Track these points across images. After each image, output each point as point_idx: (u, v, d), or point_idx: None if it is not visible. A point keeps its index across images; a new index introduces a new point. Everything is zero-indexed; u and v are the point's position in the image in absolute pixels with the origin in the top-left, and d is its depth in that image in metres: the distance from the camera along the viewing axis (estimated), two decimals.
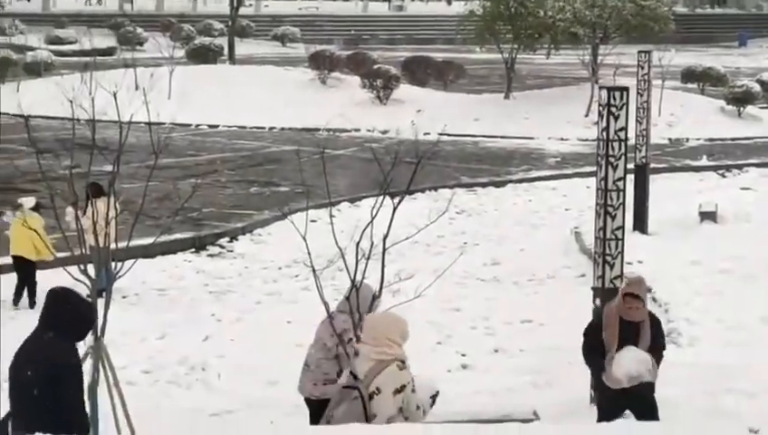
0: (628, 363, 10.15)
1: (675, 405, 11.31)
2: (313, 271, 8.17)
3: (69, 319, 7.76)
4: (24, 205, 16.51)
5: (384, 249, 8.00)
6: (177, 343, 14.58)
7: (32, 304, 16.72)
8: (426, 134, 26.73)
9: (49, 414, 7.46)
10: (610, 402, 10.36)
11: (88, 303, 7.92)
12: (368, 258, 8.07)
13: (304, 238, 8.32)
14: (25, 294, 16.85)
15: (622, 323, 10.19)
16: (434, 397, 8.74)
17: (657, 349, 10.31)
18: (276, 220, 21.69)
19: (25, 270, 16.72)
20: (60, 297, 8.01)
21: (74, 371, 7.65)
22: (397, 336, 8.30)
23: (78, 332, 7.84)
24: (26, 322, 15.73)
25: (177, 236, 19.87)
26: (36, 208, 16.14)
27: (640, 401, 10.22)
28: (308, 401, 10.21)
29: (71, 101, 10.39)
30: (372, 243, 7.91)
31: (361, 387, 7.98)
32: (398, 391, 8.05)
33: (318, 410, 9.91)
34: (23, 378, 7.62)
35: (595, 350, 10.35)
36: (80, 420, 7.66)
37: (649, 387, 10.24)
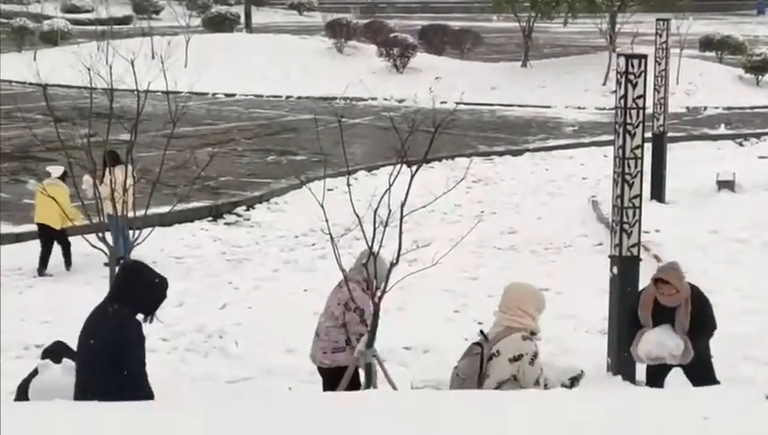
0: (649, 345, 10.28)
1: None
2: (331, 239, 8.18)
3: (136, 292, 7.82)
4: (51, 173, 16.55)
5: (401, 217, 8.00)
6: (195, 311, 14.64)
7: (68, 265, 16.87)
8: (443, 103, 26.56)
9: (111, 384, 7.54)
10: (654, 367, 10.61)
11: (161, 278, 7.97)
12: (385, 226, 8.08)
13: (322, 206, 8.33)
14: (53, 261, 16.95)
15: (658, 306, 10.31)
16: (575, 378, 8.84)
17: (697, 332, 10.38)
18: (293, 189, 21.73)
19: (50, 238, 16.77)
20: (132, 270, 8.08)
21: (134, 343, 7.72)
22: (530, 307, 8.50)
23: (148, 305, 7.89)
24: (45, 290, 15.89)
25: (195, 204, 19.92)
26: (63, 177, 16.14)
27: (686, 367, 10.45)
28: (320, 369, 10.27)
29: (88, 70, 10.42)
30: (390, 211, 7.91)
31: (485, 346, 8.24)
32: (515, 359, 8.21)
33: (329, 378, 9.98)
34: (86, 347, 7.69)
35: (632, 326, 10.64)
36: (140, 391, 7.74)
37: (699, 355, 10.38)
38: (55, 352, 8.90)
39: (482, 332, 8.35)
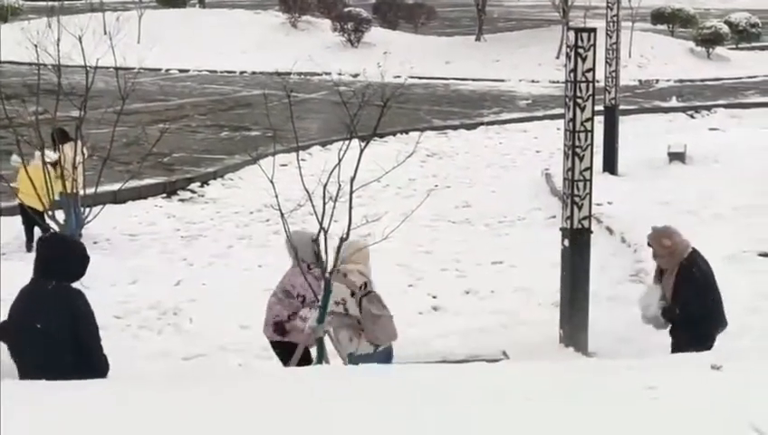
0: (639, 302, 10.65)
1: (642, 343, 11.45)
2: (281, 215, 8.18)
3: (68, 263, 7.80)
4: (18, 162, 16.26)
5: (351, 192, 8.01)
6: (149, 288, 14.58)
7: (30, 247, 16.68)
8: (396, 77, 26.67)
9: (72, 359, 7.52)
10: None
11: (80, 242, 7.96)
12: (335, 201, 8.09)
13: (272, 182, 8.32)
14: (6, 239, 16.76)
15: (662, 269, 10.55)
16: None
17: (675, 302, 10.36)
18: (247, 165, 21.65)
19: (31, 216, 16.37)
20: (54, 243, 8.04)
21: (88, 314, 7.73)
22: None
23: (78, 273, 7.89)
24: None
25: (148, 181, 19.83)
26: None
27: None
28: (271, 342, 10.30)
29: (35, 46, 10.33)
30: (340, 186, 7.92)
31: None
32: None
33: (280, 352, 10.02)
34: (33, 330, 7.61)
35: None
36: (103, 359, 7.76)
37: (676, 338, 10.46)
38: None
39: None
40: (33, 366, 7.57)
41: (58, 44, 10.20)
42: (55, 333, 7.55)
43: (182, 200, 20.07)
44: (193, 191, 20.58)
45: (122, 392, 6.68)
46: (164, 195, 20.12)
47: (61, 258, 7.80)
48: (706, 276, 10.32)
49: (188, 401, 6.39)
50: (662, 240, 10.41)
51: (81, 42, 10.28)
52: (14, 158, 16.65)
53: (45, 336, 7.59)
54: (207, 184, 21.04)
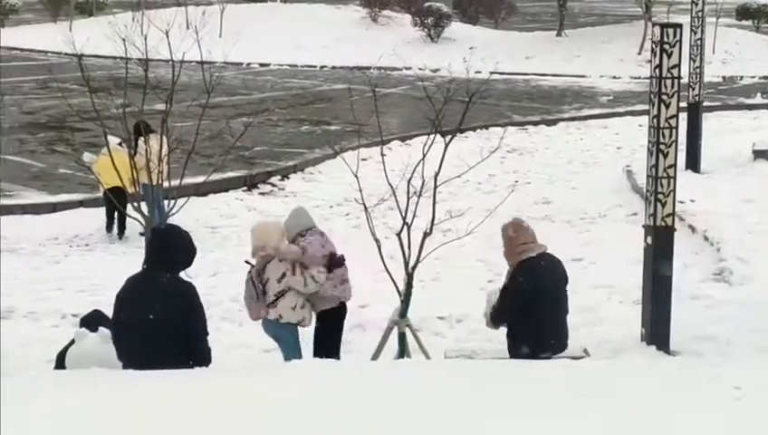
0: None
1: (725, 343, 11.33)
2: (365, 209, 8.21)
3: (181, 254, 7.90)
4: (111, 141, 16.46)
5: (435, 187, 8.01)
6: (230, 280, 14.67)
7: (121, 234, 16.87)
8: (477, 72, 26.58)
9: (180, 349, 7.62)
10: None
11: (188, 233, 8.08)
12: (419, 196, 8.10)
13: (356, 176, 8.35)
14: (89, 230, 16.99)
15: None
16: None
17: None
18: (327, 159, 21.78)
19: (117, 202, 16.42)
20: (169, 235, 8.13)
21: (201, 304, 7.85)
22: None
23: (187, 263, 8.00)
24: (81, 259, 15.97)
25: (230, 174, 20.00)
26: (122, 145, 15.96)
27: None
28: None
29: (123, 40, 10.46)
30: (423, 181, 7.93)
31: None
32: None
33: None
34: (147, 322, 7.69)
35: None
36: (208, 351, 7.87)
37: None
38: (93, 320, 8.96)
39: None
40: (141, 356, 7.61)
41: (145, 39, 10.31)
42: (167, 324, 7.63)
43: (263, 194, 20.20)
44: (273, 185, 20.71)
45: (210, 382, 6.74)
46: (245, 188, 20.29)
47: (175, 249, 7.89)
48: (530, 292, 9.52)
49: (264, 390, 6.43)
50: (507, 230, 9.86)
51: (167, 36, 10.39)
52: (87, 155, 16.89)
53: (157, 327, 7.65)
54: (288, 178, 21.16)
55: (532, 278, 9.55)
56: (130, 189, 15.79)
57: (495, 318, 9.75)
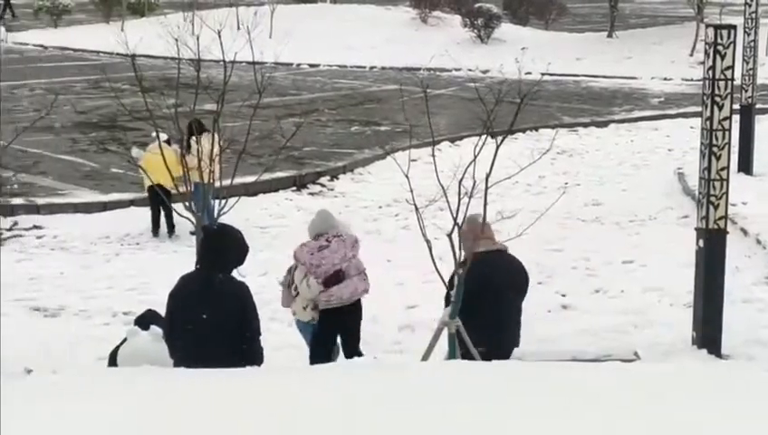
0: None
1: None
2: (416, 209, 8.20)
3: (234, 253, 7.95)
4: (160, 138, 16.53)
5: (486, 188, 7.99)
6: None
7: (171, 232, 16.94)
8: (527, 74, 26.51)
9: (233, 349, 7.67)
10: None
11: (240, 231, 8.14)
12: (470, 197, 8.08)
13: (407, 177, 8.35)
14: (139, 229, 17.07)
15: None
16: None
17: None
18: (377, 159, 21.80)
19: (162, 200, 16.45)
20: (223, 235, 8.17)
21: (254, 303, 7.90)
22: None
23: (239, 262, 8.05)
24: (132, 258, 16.08)
25: (279, 174, 20.05)
26: (168, 142, 16.04)
27: None
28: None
29: (176, 40, 10.52)
30: (475, 182, 7.90)
31: None
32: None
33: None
34: (198, 320, 7.73)
35: None
36: (261, 350, 7.92)
37: None
38: (147, 319, 9.02)
39: None
40: (194, 355, 7.64)
41: (198, 39, 10.37)
42: (221, 323, 7.66)
43: (312, 194, 20.24)
44: (323, 185, 20.75)
45: (265, 381, 6.75)
46: (294, 188, 20.34)
47: (227, 249, 7.93)
48: (474, 284, 9.13)
49: (319, 392, 6.43)
50: (465, 223, 9.36)
51: (220, 36, 10.43)
52: (135, 150, 16.97)
53: (211, 327, 7.68)
54: (337, 178, 21.19)
55: (484, 275, 9.35)
56: (179, 187, 15.92)
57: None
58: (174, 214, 16.01)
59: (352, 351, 11.09)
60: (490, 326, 9.36)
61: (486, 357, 8.91)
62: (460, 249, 8.42)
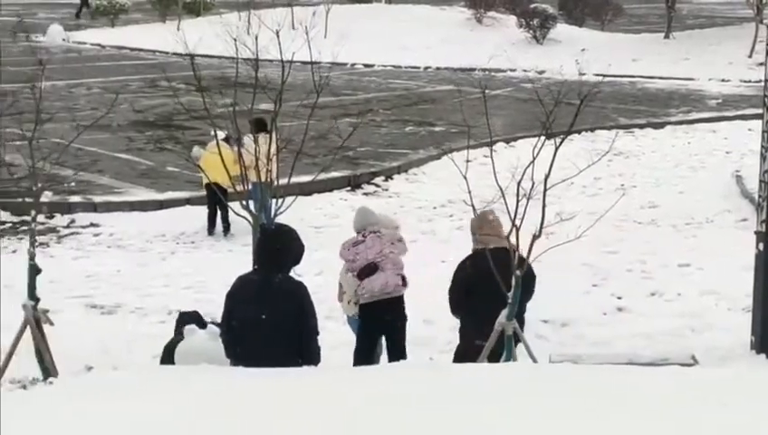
0: None
1: None
2: (473, 210, 8.18)
3: (292, 253, 7.99)
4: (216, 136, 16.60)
5: (545, 189, 7.96)
6: (334, 280, 14.71)
7: (226, 230, 16.99)
8: (582, 74, 26.40)
9: (292, 349, 7.71)
10: None
11: (296, 231, 8.19)
12: (528, 198, 8.05)
13: (465, 177, 8.33)
14: (194, 228, 17.14)
15: None
16: None
17: None
18: (431, 159, 21.80)
19: (219, 198, 16.43)
20: (281, 235, 8.21)
21: (312, 303, 7.95)
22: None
23: (296, 262, 8.09)
24: (188, 256, 16.16)
25: (334, 174, 20.06)
26: (226, 141, 16.05)
27: None
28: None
29: (234, 40, 10.56)
30: (533, 183, 7.87)
31: None
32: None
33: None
34: (258, 321, 7.77)
35: None
36: (318, 349, 7.97)
37: None
38: (190, 318, 9.09)
39: None
40: (253, 355, 7.65)
41: (256, 39, 10.41)
42: (281, 323, 7.69)
43: (366, 194, 20.25)
44: (377, 185, 20.76)
45: (321, 380, 6.77)
46: (349, 188, 20.36)
47: (285, 249, 7.96)
48: (475, 276, 9.61)
49: (375, 391, 6.43)
50: (472, 220, 9.94)
51: (278, 36, 10.46)
52: (196, 149, 17.03)
53: (270, 327, 7.71)
54: (391, 178, 21.20)
55: (476, 267, 9.58)
56: (236, 186, 15.94)
57: (450, 300, 10.11)
58: (231, 213, 16.04)
59: (397, 352, 11.08)
60: (486, 318, 9.36)
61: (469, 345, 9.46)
62: (516, 249, 8.39)
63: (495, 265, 8.99)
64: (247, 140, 14.94)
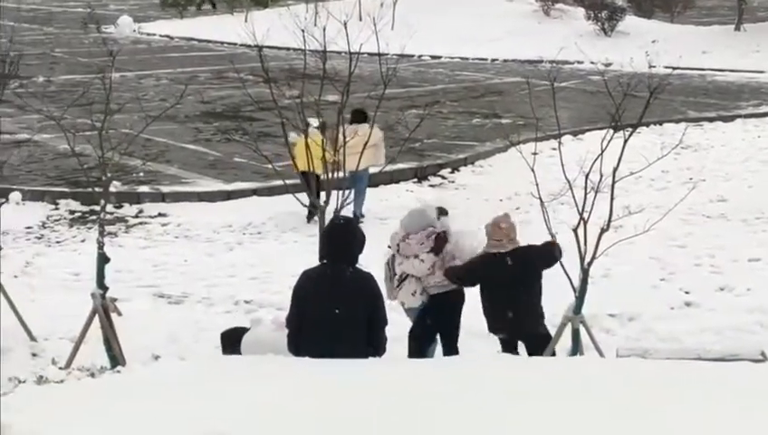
0: None
1: None
2: (541, 203, 8.14)
3: (358, 245, 8.02)
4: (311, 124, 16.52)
5: (613, 182, 7.90)
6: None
7: (310, 217, 16.96)
8: (651, 67, 26.17)
9: (362, 340, 7.75)
10: None
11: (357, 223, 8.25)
12: (596, 191, 8.00)
13: (533, 170, 8.30)
14: (261, 219, 17.18)
15: None
16: None
17: None
18: (498, 152, 21.70)
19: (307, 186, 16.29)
20: (349, 227, 8.24)
21: (381, 293, 7.99)
22: None
23: (361, 253, 8.12)
24: (254, 247, 16.21)
25: (401, 165, 20.03)
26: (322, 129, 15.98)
27: None
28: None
29: (303, 31, 10.58)
30: (602, 176, 7.82)
31: None
32: None
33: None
34: (330, 314, 7.79)
35: None
36: (385, 340, 8.01)
37: None
38: (235, 336, 9.18)
39: None
40: (326, 349, 7.65)
41: (324, 31, 10.43)
42: (354, 315, 7.70)
43: (432, 186, 20.21)
44: (443, 177, 20.71)
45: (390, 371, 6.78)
46: (415, 180, 20.34)
47: (355, 242, 7.98)
48: (480, 273, 10.55)
49: (438, 383, 6.43)
50: (488, 226, 10.74)
51: (346, 27, 10.47)
52: (293, 135, 16.97)
53: (344, 320, 7.72)
54: (458, 170, 21.14)
55: (485, 267, 10.49)
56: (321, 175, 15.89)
57: (450, 270, 10.72)
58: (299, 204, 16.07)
59: (449, 346, 11.02)
60: (500, 311, 10.47)
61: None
62: (585, 244, 8.34)
63: (507, 264, 10.17)
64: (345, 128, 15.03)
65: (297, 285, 8.03)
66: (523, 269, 10.35)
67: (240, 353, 8.72)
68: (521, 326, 10.45)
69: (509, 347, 10.52)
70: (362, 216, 16.97)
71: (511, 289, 10.29)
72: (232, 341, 9.24)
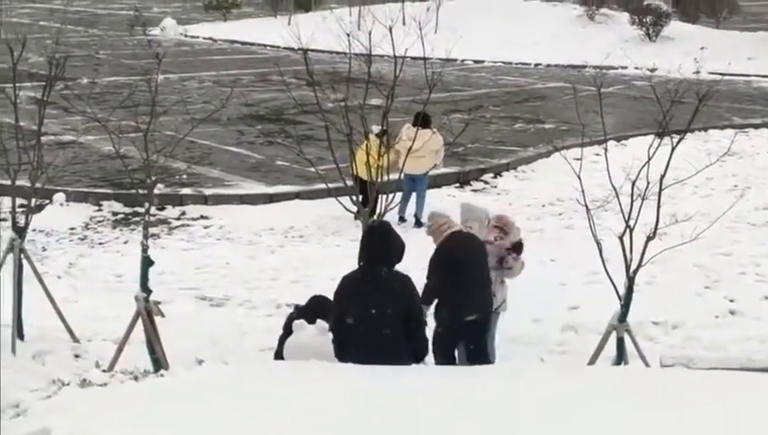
0: None
1: None
2: (586, 209, 8.07)
3: (398, 250, 8.05)
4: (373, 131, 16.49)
5: (660, 189, 7.83)
6: None
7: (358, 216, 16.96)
8: (695, 73, 26.01)
9: (402, 341, 7.76)
10: None
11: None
12: (643, 198, 7.93)
13: (578, 176, 8.25)
14: (304, 222, 17.20)
15: None
16: None
17: None
18: (541, 157, 21.62)
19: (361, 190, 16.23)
20: (389, 232, 8.28)
21: (418, 293, 8.03)
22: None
23: (400, 259, 8.16)
24: (296, 250, 16.22)
25: (443, 170, 19.98)
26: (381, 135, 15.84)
27: None
28: None
29: (348, 35, 10.57)
30: (648, 183, 7.75)
31: None
32: None
33: None
34: (368, 317, 7.81)
35: None
36: (426, 342, 8.04)
37: None
38: (314, 308, 9.11)
39: None
40: (367, 351, 7.66)
41: (369, 35, 10.42)
42: (391, 317, 7.73)
43: (474, 191, 20.16)
44: (486, 182, 20.65)
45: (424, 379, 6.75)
46: (457, 184, 20.28)
47: (395, 246, 8.01)
48: (450, 260, 10.41)
49: (482, 390, 6.39)
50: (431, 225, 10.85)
51: (390, 32, 10.47)
52: (375, 127, 16.90)
53: (382, 321, 7.76)
54: (500, 175, 21.06)
55: (459, 250, 10.50)
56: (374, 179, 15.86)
57: (427, 294, 10.22)
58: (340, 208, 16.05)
59: (475, 357, 10.82)
60: (473, 292, 10.51)
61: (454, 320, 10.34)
62: (631, 252, 8.26)
63: (465, 244, 10.48)
64: (405, 131, 14.98)
65: (337, 290, 8.12)
66: (476, 246, 10.76)
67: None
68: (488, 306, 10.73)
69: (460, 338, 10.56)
70: (421, 220, 16.85)
71: (473, 266, 10.52)
72: (315, 312, 9.05)
